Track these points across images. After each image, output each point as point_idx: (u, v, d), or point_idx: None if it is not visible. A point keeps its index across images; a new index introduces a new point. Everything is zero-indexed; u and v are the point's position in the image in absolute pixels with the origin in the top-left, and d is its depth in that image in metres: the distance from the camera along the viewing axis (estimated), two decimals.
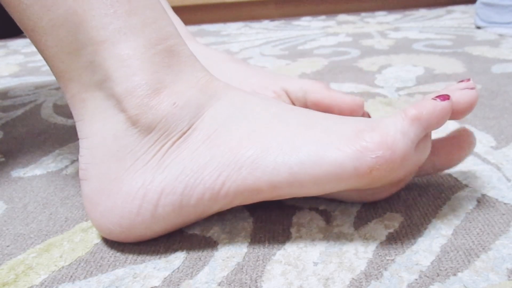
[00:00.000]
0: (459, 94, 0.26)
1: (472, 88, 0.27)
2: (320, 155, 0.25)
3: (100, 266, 0.27)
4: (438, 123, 0.25)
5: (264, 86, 0.37)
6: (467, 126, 0.42)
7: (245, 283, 0.24)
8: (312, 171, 0.25)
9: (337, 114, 0.33)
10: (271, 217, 0.30)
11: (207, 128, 0.27)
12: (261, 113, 0.28)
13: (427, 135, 0.27)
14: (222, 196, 0.26)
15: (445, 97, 0.25)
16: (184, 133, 0.27)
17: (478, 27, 0.95)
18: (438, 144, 0.30)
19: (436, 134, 0.30)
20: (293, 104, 0.36)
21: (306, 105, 0.35)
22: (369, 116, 0.36)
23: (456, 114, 0.26)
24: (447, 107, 0.25)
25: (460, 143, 0.30)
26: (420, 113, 0.25)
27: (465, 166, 0.35)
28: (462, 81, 0.28)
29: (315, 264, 0.25)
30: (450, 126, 0.42)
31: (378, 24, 1.14)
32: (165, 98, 0.27)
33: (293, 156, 0.25)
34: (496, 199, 0.30)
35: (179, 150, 0.27)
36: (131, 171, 0.27)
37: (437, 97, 0.26)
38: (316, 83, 0.35)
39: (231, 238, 0.28)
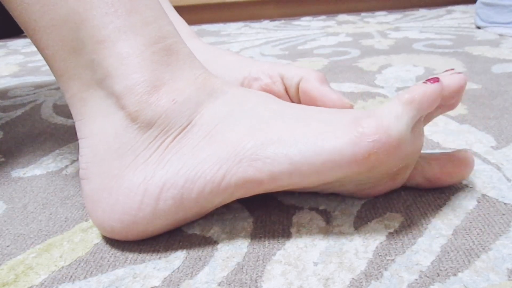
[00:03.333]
0: (448, 78, 0.27)
1: (459, 73, 0.28)
2: (319, 144, 0.25)
3: (100, 266, 0.27)
4: (430, 106, 0.26)
5: (261, 71, 0.38)
6: (468, 126, 0.42)
7: (245, 283, 0.24)
8: (312, 160, 0.25)
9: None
10: (271, 217, 0.30)
11: (207, 124, 0.27)
12: (260, 110, 0.28)
13: (419, 121, 0.27)
14: (223, 188, 0.26)
15: (435, 80, 0.26)
16: (184, 128, 0.27)
17: (478, 27, 0.95)
18: (435, 155, 0.31)
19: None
20: (287, 90, 0.36)
21: (297, 91, 0.35)
22: None
23: (447, 98, 0.27)
24: (437, 89, 0.26)
25: (456, 160, 0.30)
26: (413, 96, 0.26)
27: None
28: (447, 70, 0.29)
29: (315, 264, 0.25)
30: (453, 127, 0.42)
31: (378, 24, 1.14)
32: (164, 95, 0.27)
33: (292, 147, 0.26)
34: (496, 199, 0.30)
35: (180, 146, 0.27)
36: (132, 167, 0.27)
37: (427, 80, 0.27)
38: (313, 72, 0.35)
39: (231, 238, 0.28)
